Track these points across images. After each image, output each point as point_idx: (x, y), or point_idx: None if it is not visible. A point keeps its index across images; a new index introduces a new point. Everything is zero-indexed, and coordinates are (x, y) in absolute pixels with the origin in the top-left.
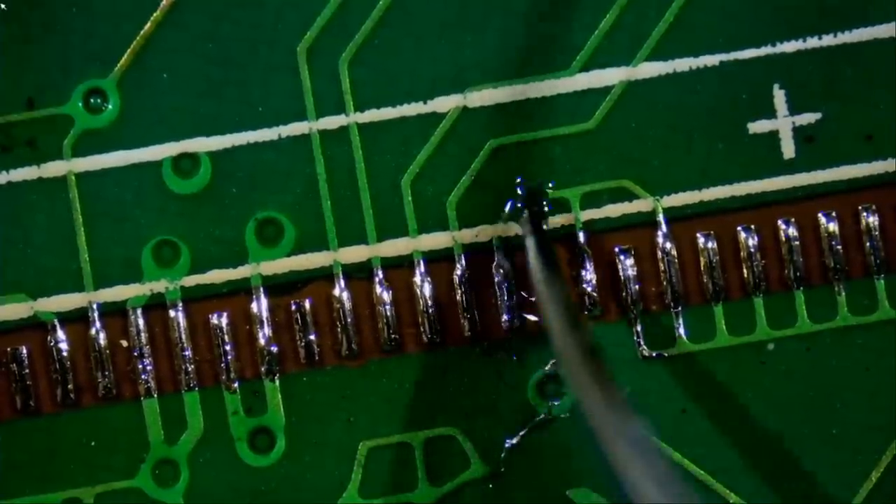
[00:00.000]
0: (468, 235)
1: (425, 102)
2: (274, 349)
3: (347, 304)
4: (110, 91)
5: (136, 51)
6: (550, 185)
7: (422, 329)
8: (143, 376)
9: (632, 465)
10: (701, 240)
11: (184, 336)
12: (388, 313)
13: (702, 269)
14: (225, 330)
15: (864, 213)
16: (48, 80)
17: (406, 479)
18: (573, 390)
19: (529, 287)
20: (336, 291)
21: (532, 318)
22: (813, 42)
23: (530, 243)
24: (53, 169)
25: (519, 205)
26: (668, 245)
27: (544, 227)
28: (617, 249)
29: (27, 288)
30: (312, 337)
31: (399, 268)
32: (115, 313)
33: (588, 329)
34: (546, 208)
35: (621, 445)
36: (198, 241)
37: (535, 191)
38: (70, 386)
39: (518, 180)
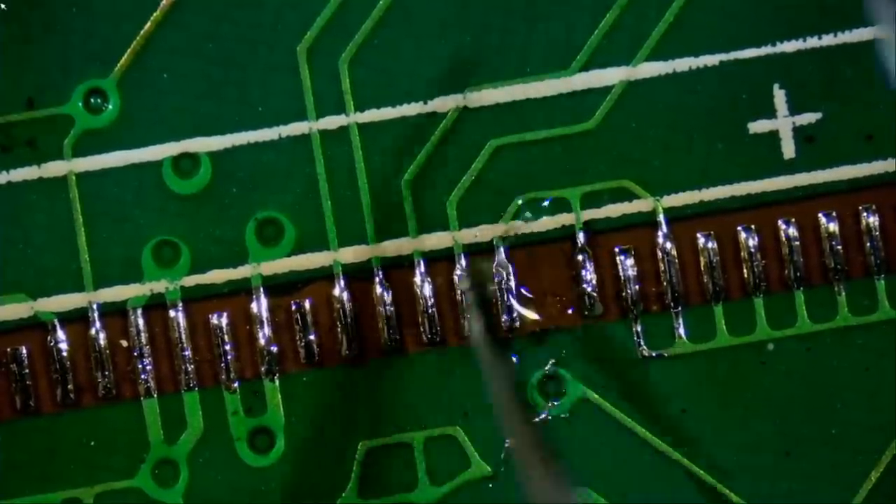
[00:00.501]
0: (468, 235)
1: (425, 102)
2: (274, 349)
3: (347, 304)
4: (110, 91)
5: (136, 51)
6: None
7: (422, 329)
8: (143, 376)
9: None
10: (701, 240)
11: (184, 336)
12: (388, 313)
13: (702, 269)
14: (225, 330)
15: (864, 213)
16: (48, 80)
17: (406, 479)
18: (517, 459)
19: (530, 284)
20: (336, 291)
21: (534, 316)
22: (813, 42)
23: (476, 320)
24: (53, 169)
25: (461, 277)
26: (668, 245)
27: (489, 305)
28: (617, 249)
29: (27, 288)
30: (312, 337)
31: (399, 268)
32: (115, 313)
33: (530, 416)
34: (491, 277)
35: None
36: (198, 241)
37: (476, 273)
38: (70, 386)
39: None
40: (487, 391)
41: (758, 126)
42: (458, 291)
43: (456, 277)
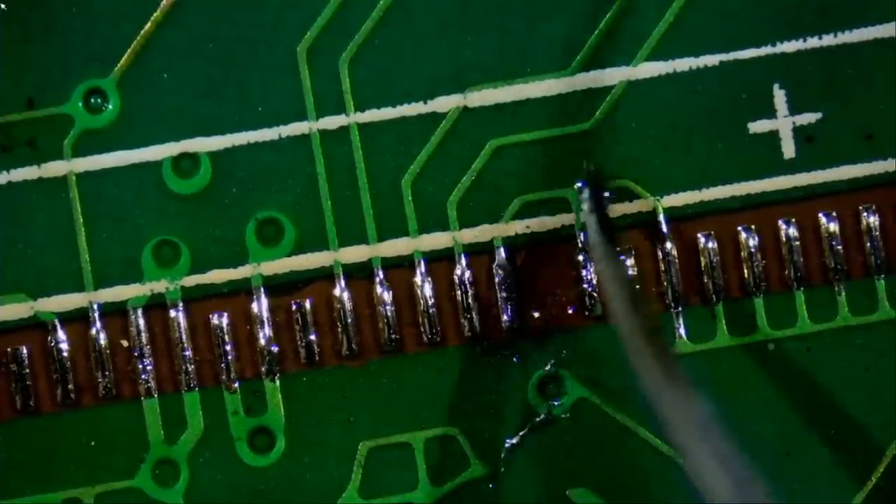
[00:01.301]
0: (468, 235)
1: (425, 102)
2: (274, 349)
3: (347, 304)
4: (110, 91)
5: (136, 51)
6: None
7: (422, 329)
8: (143, 376)
9: (694, 445)
10: (701, 240)
11: (184, 336)
12: (388, 313)
13: (702, 269)
14: (225, 330)
15: (864, 213)
16: (48, 80)
17: (406, 479)
18: (635, 369)
19: (530, 284)
20: (336, 291)
21: (535, 314)
22: (813, 42)
23: (591, 221)
24: (53, 169)
25: (579, 184)
26: (668, 245)
27: (605, 204)
28: (617, 249)
29: (27, 288)
30: (312, 337)
31: (399, 268)
32: (115, 313)
33: (650, 307)
34: (607, 188)
35: (684, 425)
36: (198, 241)
37: (595, 173)
38: (70, 386)
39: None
40: (604, 290)
41: (758, 126)
42: (577, 192)
43: (577, 190)
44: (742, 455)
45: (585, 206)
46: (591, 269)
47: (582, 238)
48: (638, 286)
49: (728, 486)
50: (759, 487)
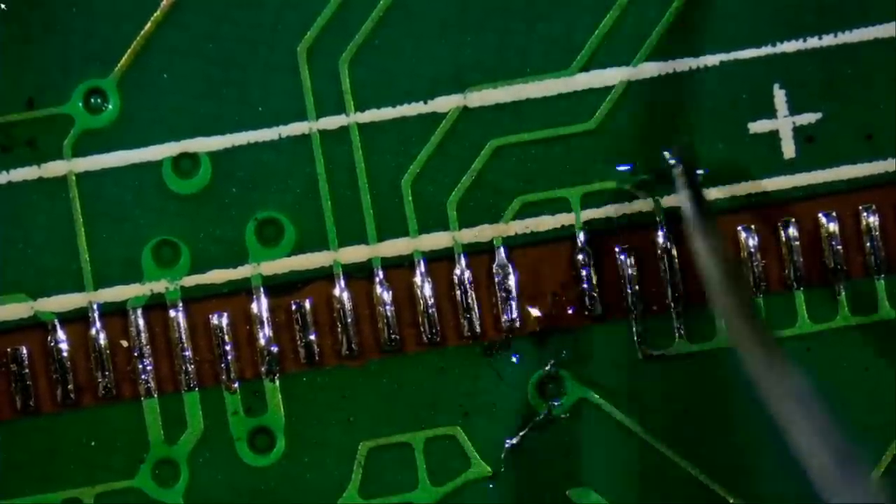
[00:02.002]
0: (468, 235)
1: (425, 102)
2: (274, 349)
3: (347, 304)
4: (110, 91)
5: (136, 51)
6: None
7: (422, 329)
8: (143, 376)
9: (794, 419)
10: None
11: (184, 336)
12: (388, 313)
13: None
14: (225, 330)
15: (864, 213)
16: (48, 80)
17: (406, 479)
18: (732, 342)
19: (530, 284)
20: (336, 291)
21: (535, 312)
22: (813, 42)
23: (686, 195)
24: (53, 169)
25: (672, 161)
26: (668, 245)
27: (699, 181)
28: (617, 249)
29: (27, 288)
30: (312, 337)
31: (399, 268)
32: (115, 313)
33: (747, 282)
34: (696, 161)
35: (782, 399)
36: (198, 241)
37: (686, 149)
38: (70, 386)
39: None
40: (702, 269)
41: (758, 126)
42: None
43: (667, 155)
44: (842, 428)
45: (679, 183)
46: (591, 269)
47: (681, 214)
48: (737, 263)
49: (828, 459)
50: (859, 460)
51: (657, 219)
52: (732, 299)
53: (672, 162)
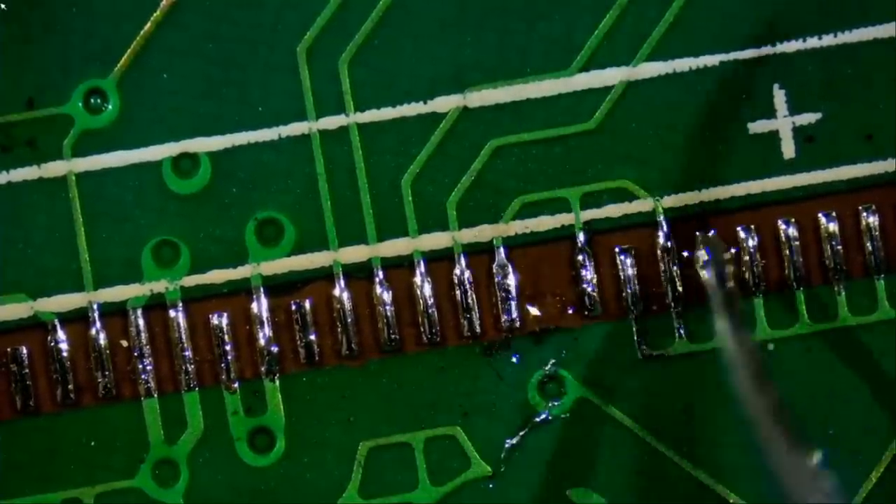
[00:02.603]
0: (468, 235)
1: (425, 102)
2: (274, 349)
3: (347, 304)
4: (110, 91)
5: (136, 51)
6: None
7: (422, 329)
8: (143, 376)
9: None
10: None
11: (184, 336)
12: (388, 313)
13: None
14: (225, 330)
15: (864, 213)
16: (48, 80)
17: (406, 479)
18: (761, 444)
19: (530, 284)
20: (336, 291)
21: (535, 312)
22: (813, 42)
23: (715, 294)
24: (53, 169)
25: (702, 253)
26: (669, 245)
27: (728, 277)
28: (617, 249)
29: (27, 288)
30: (312, 337)
31: (399, 268)
32: (115, 313)
33: (776, 392)
34: (726, 258)
35: (809, 496)
36: (198, 241)
37: (715, 242)
38: (70, 386)
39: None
40: (730, 364)
41: (758, 126)
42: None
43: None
44: None
45: (708, 277)
46: (591, 269)
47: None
48: (762, 358)
49: None
50: None
51: (657, 219)
52: (761, 399)
53: (701, 254)
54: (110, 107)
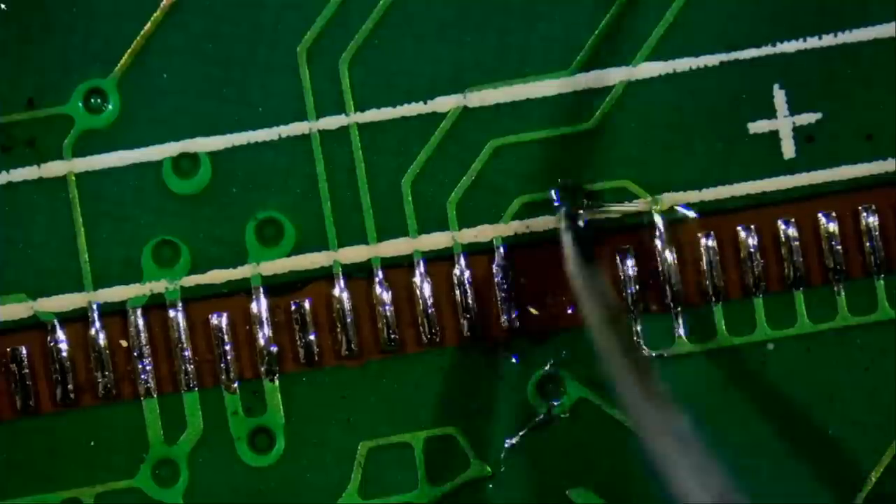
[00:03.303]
0: (468, 235)
1: (425, 102)
2: (274, 349)
3: (347, 304)
4: (110, 91)
5: (136, 51)
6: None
7: (422, 329)
8: (142, 376)
9: (674, 460)
10: (701, 240)
11: (184, 336)
12: (388, 313)
13: (702, 269)
14: (225, 330)
15: (864, 213)
16: (48, 80)
17: (406, 479)
18: (615, 386)
19: (530, 284)
20: (336, 291)
21: (534, 311)
22: (813, 42)
23: (567, 240)
24: (53, 169)
25: (556, 202)
26: (669, 245)
27: (580, 222)
28: (617, 249)
29: (27, 288)
30: (312, 337)
31: (399, 268)
32: (115, 313)
33: (627, 324)
34: (582, 203)
35: (663, 441)
36: (198, 241)
37: (571, 187)
38: (70, 386)
39: (559, 182)
40: (581, 306)
41: (758, 126)
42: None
43: (552, 194)
44: (721, 469)
45: (561, 224)
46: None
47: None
48: (615, 301)
49: (707, 500)
50: (739, 500)
51: (658, 219)
52: (611, 338)
53: (556, 203)
54: (110, 107)
